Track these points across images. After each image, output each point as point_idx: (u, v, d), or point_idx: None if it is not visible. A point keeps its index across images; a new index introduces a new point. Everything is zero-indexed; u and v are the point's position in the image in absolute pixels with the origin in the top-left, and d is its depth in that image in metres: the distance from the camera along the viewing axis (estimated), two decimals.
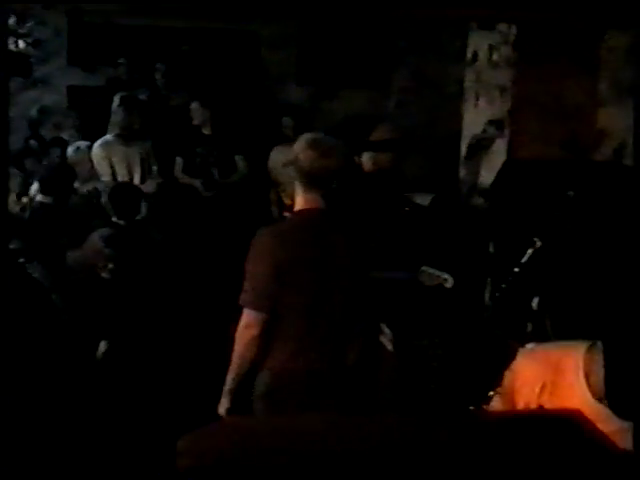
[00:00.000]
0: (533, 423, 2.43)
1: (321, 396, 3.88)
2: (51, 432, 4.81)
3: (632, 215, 6.26)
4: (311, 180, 3.91)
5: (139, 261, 5.92)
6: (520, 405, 3.02)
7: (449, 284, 5.26)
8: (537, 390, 2.97)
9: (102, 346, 5.59)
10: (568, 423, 2.38)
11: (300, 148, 3.93)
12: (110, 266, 5.68)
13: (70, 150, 7.95)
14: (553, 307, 5.73)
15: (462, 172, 8.39)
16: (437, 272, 5.32)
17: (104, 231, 5.94)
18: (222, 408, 3.96)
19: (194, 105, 7.77)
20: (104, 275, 5.68)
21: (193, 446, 2.21)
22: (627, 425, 2.78)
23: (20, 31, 9.30)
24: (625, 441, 2.70)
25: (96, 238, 5.84)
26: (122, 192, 6.70)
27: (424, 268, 5.32)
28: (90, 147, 7.61)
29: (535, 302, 5.75)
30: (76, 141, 8.19)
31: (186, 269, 6.37)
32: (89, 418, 5.02)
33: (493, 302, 5.92)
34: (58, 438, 4.80)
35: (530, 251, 5.78)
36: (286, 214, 4.65)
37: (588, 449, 2.26)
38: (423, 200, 7.49)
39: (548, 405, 2.95)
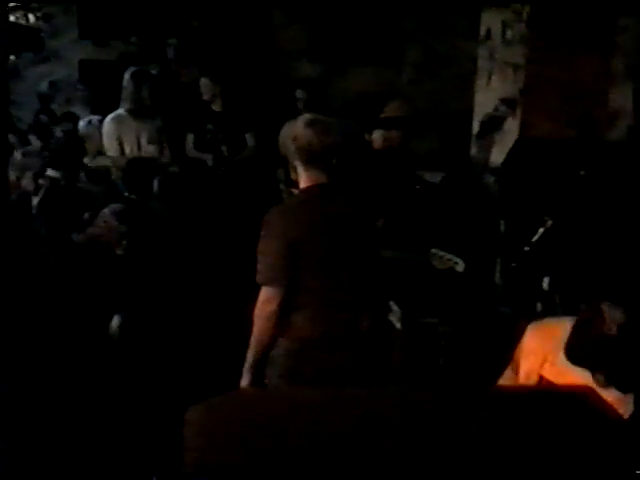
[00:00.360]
0: (544, 399, 2.43)
1: (337, 360, 4.03)
2: (64, 408, 4.83)
3: None
4: (311, 158, 4.05)
5: (151, 236, 5.90)
6: (522, 375, 3.08)
7: (460, 268, 5.28)
8: (539, 361, 3.03)
9: (116, 320, 5.58)
10: (578, 399, 2.37)
11: (299, 127, 4.07)
12: (124, 242, 5.68)
13: (82, 124, 7.94)
14: (564, 286, 5.72)
15: (473, 150, 8.35)
16: (448, 255, 5.33)
17: (116, 207, 5.92)
18: (244, 383, 4.07)
19: (204, 80, 7.73)
20: (118, 251, 5.68)
21: (201, 416, 2.23)
22: (622, 395, 2.87)
23: (30, 5, 9.26)
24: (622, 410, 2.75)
25: (108, 214, 5.82)
26: (137, 167, 6.68)
27: (434, 251, 5.32)
28: (102, 121, 7.59)
29: (546, 282, 5.75)
30: (87, 115, 8.18)
31: (196, 245, 6.37)
32: (102, 394, 5.03)
33: (504, 281, 5.91)
34: (71, 413, 4.82)
35: (541, 230, 5.77)
36: (293, 191, 4.71)
37: (598, 425, 2.26)
38: (434, 178, 7.47)
39: (548, 375, 3.01)
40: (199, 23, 9.50)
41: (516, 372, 3.15)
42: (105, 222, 5.79)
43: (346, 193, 4.22)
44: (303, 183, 4.14)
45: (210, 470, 2.05)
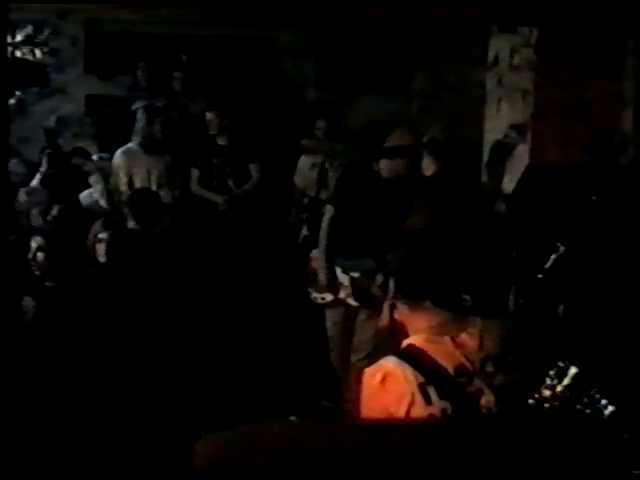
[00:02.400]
0: None
1: None
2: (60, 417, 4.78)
3: None
4: None
5: (149, 264, 5.84)
6: None
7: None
8: None
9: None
10: None
11: None
12: (103, 247, 5.54)
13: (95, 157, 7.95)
14: (578, 313, 5.64)
15: (484, 177, 8.28)
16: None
17: (102, 218, 5.86)
18: None
19: (209, 115, 7.67)
20: (100, 259, 5.55)
21: (210, 449, 2.25)
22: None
23: (37, 40, 9.27)
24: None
25: (96, 226, 5.74)
26: (142, 198, 6.63)
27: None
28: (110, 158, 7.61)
29: (561, 309, 5.66)
30: (95, 151, 8.19)
31: (202, 279, 6.34)
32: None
33: (517, 308, 5.83)
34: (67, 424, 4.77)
35: (554, 257, 5.69)
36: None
37: None
38: None
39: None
40: (188, 58, 9.44)
41: None
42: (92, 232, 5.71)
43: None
44: None
45: None
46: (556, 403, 4.92)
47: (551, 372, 5.04)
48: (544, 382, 5.03)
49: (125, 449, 4.71)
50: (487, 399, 2.79)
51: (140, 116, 7.61)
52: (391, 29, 9.42)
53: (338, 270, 5.59)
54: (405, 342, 2.86)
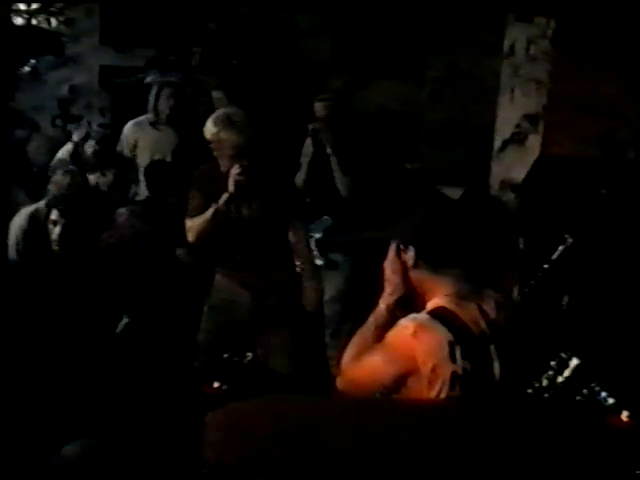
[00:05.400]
0: None
1: None
2: (71, 406, 4.80)
3: None
4: None
5: (169, 235, 5.89)
6: None
7: None
8: None
9: (123, 321, 5.64)
10: None
11: None
12: (142, 241, 5.76)
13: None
14: (582, 305, 5.65)
15: (494, 167, 8.28)
16: None
17: (132, 207, 6.05)
18: None
19: (216, 94, 7.65)
20: (136, 251, 5.73)
21: (221, 420, 2.26)
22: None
23: (52, 9, 9.25)
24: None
25: (127, 213, 5.94)
26: (158, 169, 6.64)
27: None
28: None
29: (565, 300, 5.68)
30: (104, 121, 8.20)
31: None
32: (108, 391, 5.00)
33: (522, 297, 5.84)
34: (77, 411, 4.78)
35: (561, 248, 5.70)
36: None
37: None
38: (454, 194, 7.41)
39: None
40: (217, 26, 9.39)
41: None
42: (123, 221, 5.88)
43: None
44: None
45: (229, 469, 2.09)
46: (555, 393, 4.96)
47: (552, 363, 5.07)
48: (545, 372, 5.06)
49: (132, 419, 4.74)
50: (497, 370, 2.89)
51: (153, 91, 7.59)
52: (407, 14, 9.39)
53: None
54: (432, 304, 2.96)
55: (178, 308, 5.64)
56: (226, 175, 4.93)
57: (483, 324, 2.90)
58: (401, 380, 2.85)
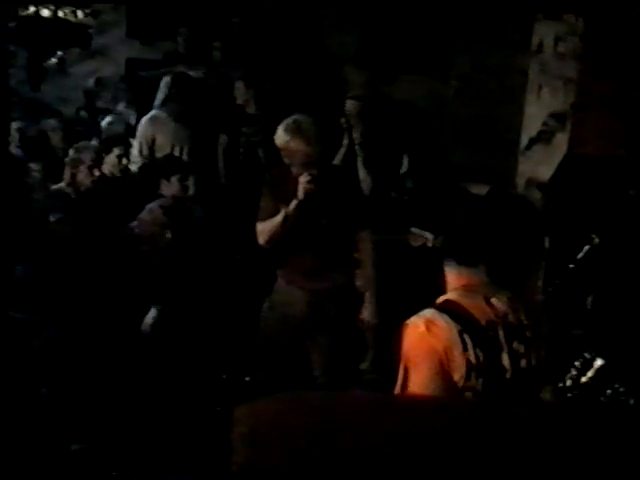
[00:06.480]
0: None
1: None
2: (100, 398, 4.84)
3: None
4: None
5: (194, 230, 6.02)
6: None
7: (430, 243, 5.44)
8: None
9: (152, 313, 5.67)
10: None
11: None
12: (168, 235, 5.83)
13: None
14: (606, 305, 5.60)
15: (521, 165, 8.23)
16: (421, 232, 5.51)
17: (164, 201, 6.04)
18: None
19: (238, 84, 7.64)
20: (161, 244, 5.79)
21: (249, 415, 2.21)
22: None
23: (79, 1, 9.28)
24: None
25: (156, 208, 5.97)
26: (172, 163, 6.65)
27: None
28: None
29: (589, 300, 5.63)
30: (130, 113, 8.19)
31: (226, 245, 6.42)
32: (137, 384, 5.02)
33: (546, 296, 5.80)
34: (107, 404, 4.80)
35: (587, 248, 5.65)
36: None
37: None
38: (480, 191, 7.35)
39: None
40: (241, 21, 9.38)
41: None
42: (152, 215, 5.93)
43: None
44: None
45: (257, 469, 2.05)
46: (579, 394, 4.92)
47: (576, 363, 5.03)
48: (569, 372, 5.02)
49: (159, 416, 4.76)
50: (505, 361, 2.92)
51: (164, 83, 7.59)
52: (434, 10, 9.35)
53: None
54: (441, 298, 3.00)
55: (209, 303, 5.70)
56: (297, 180, 4.96)
57: (491, 314, 2.92)
58: (446, 375, 2.85)
